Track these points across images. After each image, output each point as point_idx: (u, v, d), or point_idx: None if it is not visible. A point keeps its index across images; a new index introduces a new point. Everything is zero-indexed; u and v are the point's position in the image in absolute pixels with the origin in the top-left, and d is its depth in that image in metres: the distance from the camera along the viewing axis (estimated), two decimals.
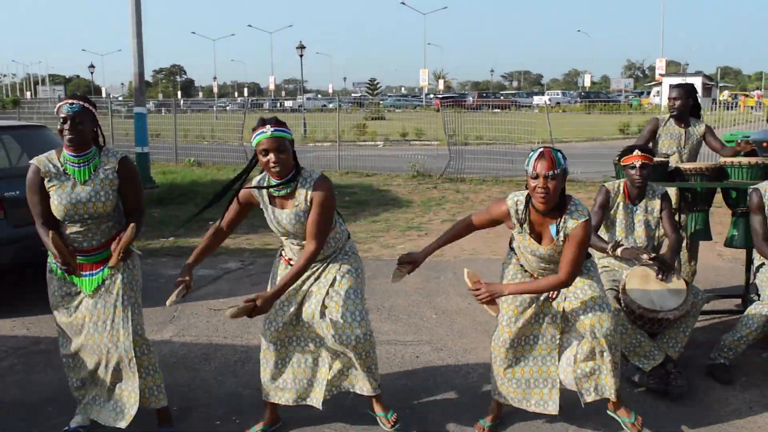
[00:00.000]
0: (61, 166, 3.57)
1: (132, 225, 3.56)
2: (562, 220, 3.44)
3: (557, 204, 3.43)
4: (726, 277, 6.88)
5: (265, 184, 3.52)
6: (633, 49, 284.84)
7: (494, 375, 3.79)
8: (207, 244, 3.72)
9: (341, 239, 3.70)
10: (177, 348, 5.13)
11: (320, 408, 3.71)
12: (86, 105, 3.54)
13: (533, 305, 3.67)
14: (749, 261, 5.33)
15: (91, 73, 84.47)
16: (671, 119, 5.81)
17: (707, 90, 50.12)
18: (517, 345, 3.70)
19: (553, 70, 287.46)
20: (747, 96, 37.02)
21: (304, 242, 3.50)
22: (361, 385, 3.73)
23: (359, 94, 77.11)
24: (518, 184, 13.59)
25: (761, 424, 3.91)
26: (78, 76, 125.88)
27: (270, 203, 3.52)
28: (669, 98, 5.82)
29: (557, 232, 3.45)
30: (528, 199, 3.51)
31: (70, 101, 3.52)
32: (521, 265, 3.75)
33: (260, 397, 3.82)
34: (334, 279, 3.60)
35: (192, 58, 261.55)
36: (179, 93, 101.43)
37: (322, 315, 3.56)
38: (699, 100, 5.91)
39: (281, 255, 3.76)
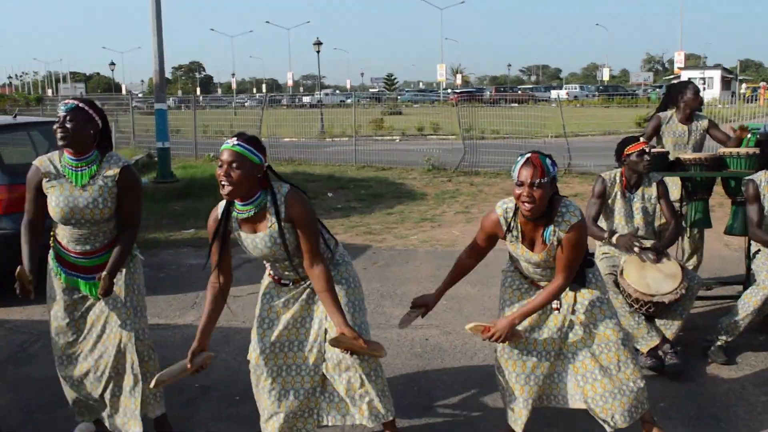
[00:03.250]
0: (61, 167, 3.52)
1: (117, 251, 3.50)
2: (554, 224, 3.31)
3: (547, 209, 3.29)
4: (731, 265, 7.04)
5: (231, 210, 3.28)
6: (652, 43, 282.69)
7: (504, 393, 3.63)
8: (211, 313, 3.41)
9: (326, 251, 3.45)
10: None
11: (328, 423, 3.52)
12: (81, 105, 3.45)
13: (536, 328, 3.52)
14: (749, 248, 5.50)
15: (112, 70, 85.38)
16: (674, 117, 5.98)
17: (726, 83, 49.84)
18: (524, 358, 3.52)
19: (572, 64, 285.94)
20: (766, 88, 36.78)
21: (286, 263, 3.32)
22: (370, 412, 3.41)
23: (377, 90, 77.31)
24: None
25: (753, 402, 4.11)
26: (98, 74, 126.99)
27: (240, 228, 3.29)
28: (689, 96, 5.91)
29: (548, 237, 3.33)
30: (517, 206, 3.37)
31: (66, 101, 3.47)
32: (520, 272, 3.65)
33: None
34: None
35: (211, 55, 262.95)
36: (198, 89, 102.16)
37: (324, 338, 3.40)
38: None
39: (270, 273, 3.52)
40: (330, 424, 3.51)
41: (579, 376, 3.49)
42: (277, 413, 3.42)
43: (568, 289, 3.48)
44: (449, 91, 62.28)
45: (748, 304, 4.59)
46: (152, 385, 3.20)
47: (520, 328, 3.43)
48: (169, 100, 21.18)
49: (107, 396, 3.69)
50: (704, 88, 40.37)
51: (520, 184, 3.21)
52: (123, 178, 3.51)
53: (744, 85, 45.38)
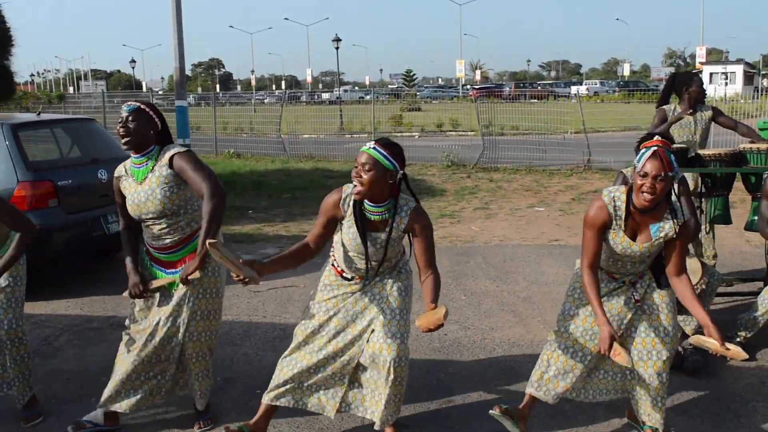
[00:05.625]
0: (129, 167, 3.73)
1: (204, 223, 3.51)
2: (664, 220, 3.37)
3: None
4: (752, 261, 7.00)
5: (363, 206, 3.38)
6: (674, 37, 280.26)
7: (544, 365, 3.64)
8: (286, 256, 3.51)
9: (399, 256, 3.64)
10: None
11: (332, 416, 3.63)
12: (142, 107, 3.65)
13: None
14: None
15: (133, 68, 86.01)
16: (677, 109, 5.99)
17: (749, 78, 49.26)
18: (588, 339, 3.57)
19: (592, 60, 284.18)
20: None
21: (372, 263, 3.45)
22: (377, 412, 3.52)
23: (396, 86, 77.26)
24: (551, 173, 13.74)
25: None
26: (119, 71, 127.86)
27: (356, 222, 3.37)
28: (694, 89, 5.96)
29: (657, 232, 3.38)
30: (628, 195, 3.40)
31: (128, 103, 3.69)
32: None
33: None
34: (387, 296, 3.51)
35: (230, 52, 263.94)
36: (218, 86, 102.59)
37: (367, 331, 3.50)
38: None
39: (333, 265, 3.63)
40: (351, 411, 3.64)
41: (621, 373, 3.64)
42: (295, 382, 3.59)
43: (650, 285, 3.59)
44: (468, 87, 62.07)
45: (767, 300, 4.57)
46: (208, 243, 3.17)
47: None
48: (189, 97, 21.33)
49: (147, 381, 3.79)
50: (726, 83, 39.97)
51: (644, 175, 3.24)
52: (174, 160, 3.62)
53: (766, 80, 44.83)
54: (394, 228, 3.38)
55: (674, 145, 5.12)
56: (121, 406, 3.76)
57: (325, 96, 47.52)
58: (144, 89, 67.29)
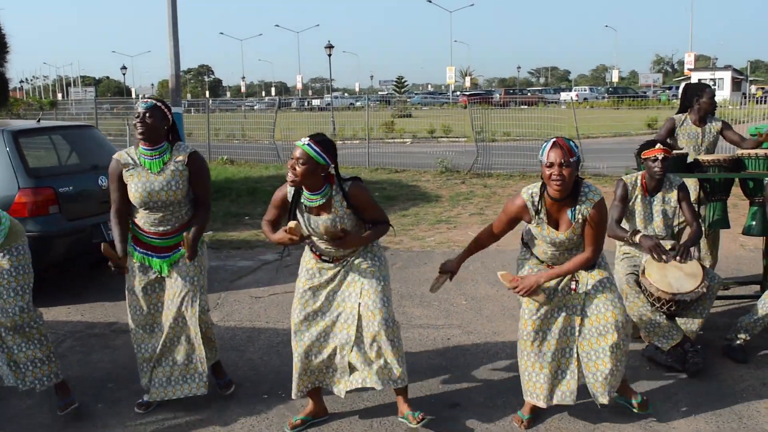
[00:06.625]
0: (138, 158, 3.97)
1: (194, 228, 3.98)
2: (578, 203, 3.61)
3: (571, 190, 3.59)
4: (747, 265, 7.07)
5: (300, 196, 3.73)
6: (662, 44, 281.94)
7: (523, 373, 3.90)
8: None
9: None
10: (223, 331, 5.47)
11: (342, 396, 3.89)
12: (158, 104, 3.95)
13: (553, 298, 3.81)
14: (767, 248, 5.56)
15: (124, 74, 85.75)
16: (687, 119, 6.03)
17: (737, 84, 49.67)
18: (541, 338, 3.81)
19: (581, 66, 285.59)
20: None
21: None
22: (388, 376, 3.78)
23: (386, 92, 77.37)
24: None
25: None
26: (108, 78, 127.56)
27: (306, 210, 3.74)
28: (705, 100, 6.01)
29: (574, 216, 3.62)
30: (543, 189, 3.66)
31: (144, 99, 3.97)
32: (537, 258, 3.93)
33: None
34: (366, 269, 3.82)
35: (220, 59, 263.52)
36: (207, 93, 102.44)
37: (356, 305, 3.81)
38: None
39: (312, 250, 3.92)
40: (350, 387, 3.86)
41: (584, 353, 3.81)
42: (306, 369, 3.91)
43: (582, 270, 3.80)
44: (458, 93, 62.29)
45: None
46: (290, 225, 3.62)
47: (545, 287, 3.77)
48: None
49: (171, 362, 4.10)
50: (714, 90, 40.24)
51: (550, 165, 3.51)
52: (192, 161, 4.01)
53: (754, 87, 45.20)
54: (335, 206, 3.69)
55: (675, 151, 5.20)
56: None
57: (316, 102, 47.59)
58: (133, 96, 67.07)
